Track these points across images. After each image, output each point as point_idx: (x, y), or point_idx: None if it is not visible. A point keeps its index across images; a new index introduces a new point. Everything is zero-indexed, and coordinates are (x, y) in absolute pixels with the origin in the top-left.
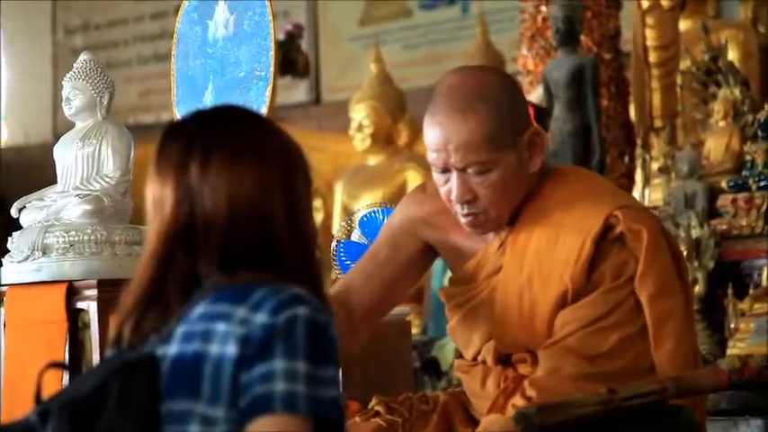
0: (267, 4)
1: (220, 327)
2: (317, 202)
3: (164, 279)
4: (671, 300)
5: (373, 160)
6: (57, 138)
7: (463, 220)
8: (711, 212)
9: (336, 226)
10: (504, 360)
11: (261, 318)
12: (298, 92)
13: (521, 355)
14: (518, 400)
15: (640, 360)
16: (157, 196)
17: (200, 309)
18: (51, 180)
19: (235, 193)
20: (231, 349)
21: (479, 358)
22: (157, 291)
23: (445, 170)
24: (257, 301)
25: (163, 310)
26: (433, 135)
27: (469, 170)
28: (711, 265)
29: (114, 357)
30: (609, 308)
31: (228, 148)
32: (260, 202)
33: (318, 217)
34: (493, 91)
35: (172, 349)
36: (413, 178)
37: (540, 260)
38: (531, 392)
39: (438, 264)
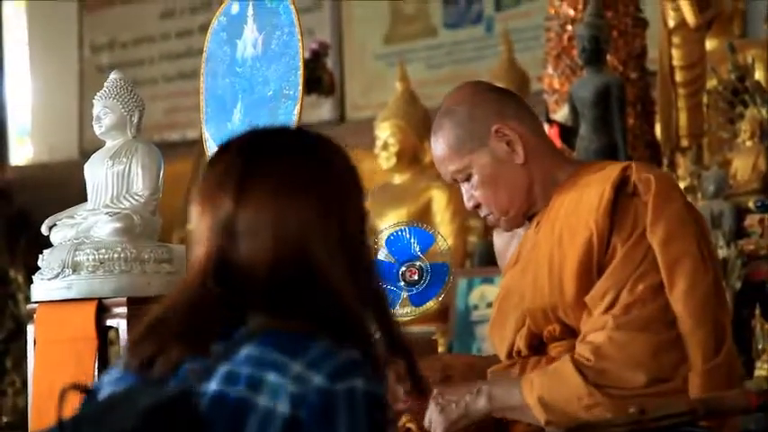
0: (296, 23)
1: (272, 377)
2: None
3: (200, 310)
4: (682, 245)
5: (398, 179)
6: (82, 155)
7: (487, 222)
8: (738, 232)
9: None
10: (536, 347)
11: (317, 380)
12: (322, 110)
13: (552, 328)
14: (582, 349)
15: (669, 310)
16: (196, 224)
17: (246, 350)
18: (76, 197)
19: (279, 230)
20: (283, 407)
21: (514, 350)
22: (193, 321)
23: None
24: (313, 359)
25: (198, 343)
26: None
27: (458, 179)
28: (738, 285)
29: (145, 389)
30: (636, 263)
31: (273, 181)
32: (306, 242)
33: None
34: (453, 105)
35: (211, 386)
36: (438, 197)
37: (568, 217)
38: (588, 336)
39: (463, 282)
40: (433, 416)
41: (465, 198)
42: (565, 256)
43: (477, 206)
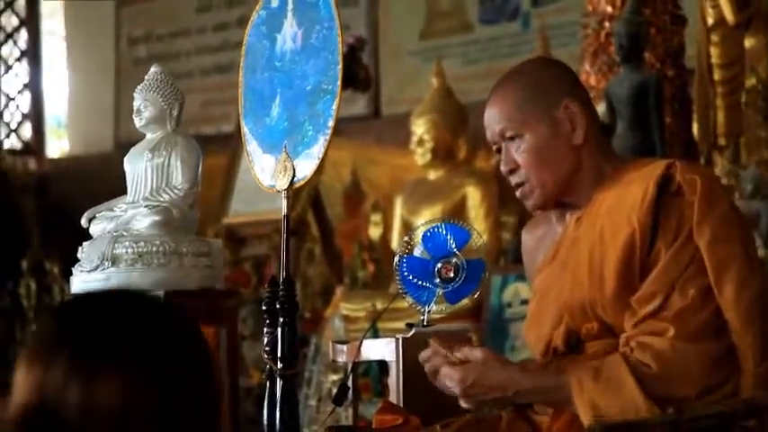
0: (335, 17)
1: None
2: (377, 217)
3: None
4: (729, 246)
5: (433, 175)
6: (118, 147)
7: (517, 193)
8: None
9: (395, 239)
10: (574, 345)
11: None
12: (357, 105)
13: (590, 326)
14: (641, 354)
15: (720, 314)
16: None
17: None
18: (112, 189)
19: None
20: None
21: (550, 348)
22: None
23: (498, 150)
24: None
25: None
26: (484, 117)
27: (507, 134)
28: None
29: None
30: (684, 265)
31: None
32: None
33: (378, 231)
34: (523, 68)
35: None
36: (472, 193)
37: (611, 214)
38: (644, 338)
39: (496, 279)
40: (458, 380)
41: (503, 159)
42: (606, 252)
43: (513, 171)
